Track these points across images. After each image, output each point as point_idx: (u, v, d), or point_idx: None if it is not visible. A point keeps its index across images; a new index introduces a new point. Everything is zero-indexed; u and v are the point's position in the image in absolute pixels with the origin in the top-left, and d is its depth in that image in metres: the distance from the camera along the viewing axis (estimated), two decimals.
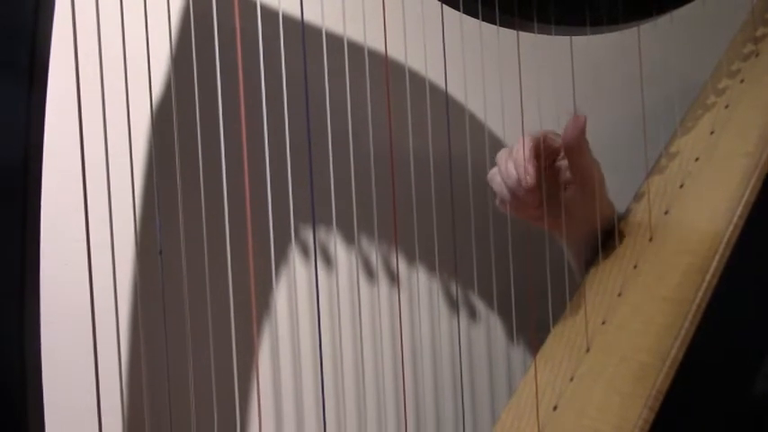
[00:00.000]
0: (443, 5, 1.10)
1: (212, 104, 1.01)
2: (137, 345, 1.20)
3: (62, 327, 1.13)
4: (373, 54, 1.12)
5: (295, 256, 1.31)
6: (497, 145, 1.28)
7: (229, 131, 1.01)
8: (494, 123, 1.30)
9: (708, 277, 1.06)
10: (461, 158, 1.22)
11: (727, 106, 1.24)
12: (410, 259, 1.36)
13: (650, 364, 1.03)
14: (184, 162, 1.02)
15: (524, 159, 1.13)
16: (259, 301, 1.29)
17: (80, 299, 0.94)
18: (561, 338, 1.18)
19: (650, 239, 1.18)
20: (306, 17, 1.04)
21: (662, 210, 1.20)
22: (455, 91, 1.23)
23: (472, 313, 1.42)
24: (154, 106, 1.15)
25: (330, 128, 1.09)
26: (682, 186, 1.20)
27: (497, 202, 1.21)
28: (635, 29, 1.17)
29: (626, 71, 1.23)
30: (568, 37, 1.17)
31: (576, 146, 1.15)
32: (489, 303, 1.42)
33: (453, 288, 1.40)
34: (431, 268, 1.37)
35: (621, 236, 1.22)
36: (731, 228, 1.08)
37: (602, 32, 1.16)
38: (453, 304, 1.40)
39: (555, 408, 1.11)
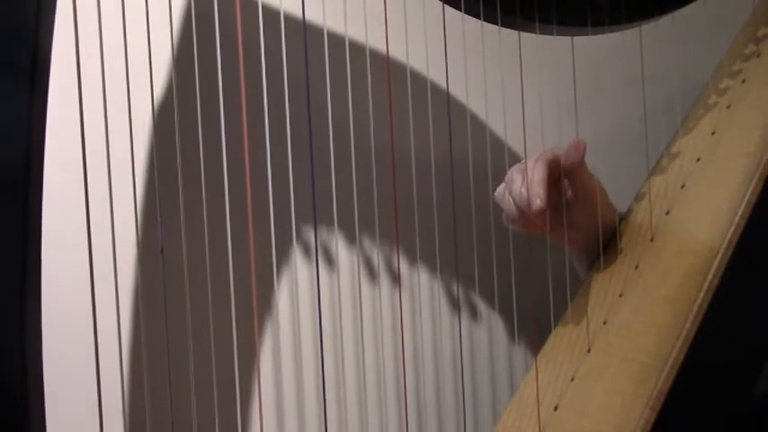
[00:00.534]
0: (445, 6, 1.10)
1: (214, 104, 1.01)
2: (138, 344, 1.20)
3: (63, 326, 1.13)
4: (375, 54, 1.12)
5: (296, 255, 1.31)
6: (499, 145, 1.28)
7: (231, 131, 1.01)
8: (495, 124, 1.30)
9: (709, 278, 1.06)
10: (463, 158, 1.22)
11: (728, 106, 1.24)
12: (411, 259, 1.36)
13: (651, 365, 1.03)
14: (186, 161, 1.02)
15: (536, 182, 1.12)
16: (260, 301, 1.29)
17: (81, 298, 0.94)
18: (562, 339, 1.18)
19: (651, 240, 1.18)
20: (307, 17, 1.04)
21: (663, 210, 1.19)
22: (456, 91, 1.23)
23: (474, 313, 1.42)
24: (155, 105, 1.15)
25: (331, 128, 1.09)
26: (683, 187, 1.20)
27: (504, 218, 1.21)
28: (636, 29, 1.17)
29: (627, 71, 1.23)
30: (570, 37, 1.17)
31: (576, 168, 1.16)
32: (491, 303, 1.42)
33: (455, 288, 1.40)
34: (432, 268, 1.37)
35: (622, 236, 1.22)
36: (732, 228, 1.08)
37: (603, 33, 1.16)
38: (455, 304, 1.40)
39: (556, 408, 1.11)
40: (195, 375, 1.04)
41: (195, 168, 1.04)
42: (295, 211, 1.08)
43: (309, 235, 1.29)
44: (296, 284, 1.32)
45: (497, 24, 1.12)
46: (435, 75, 1.22)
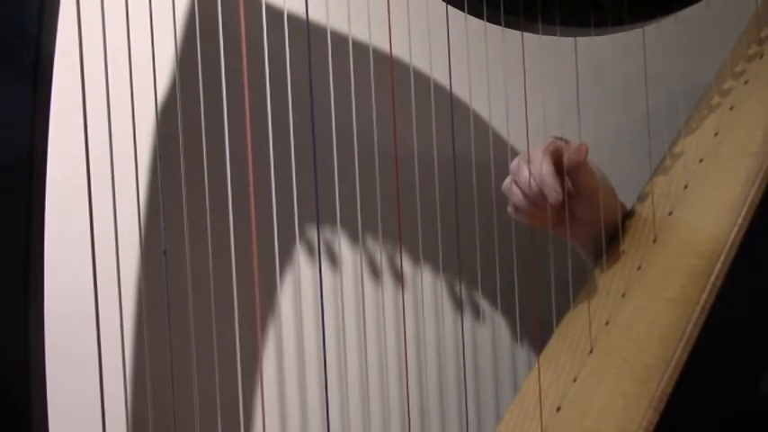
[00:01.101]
0: (448, 6, 1.10)
1: (217, 104, 1.01)
2: (141, 345, 1.20)
3: (66, 327, 1.13)
4: (378, 54, 1.12)
5: (300, 255, 1.31)
6: (502, 145, 1.28)
7: (234, 131, 1.01)
8: (498, 123, 1.30)
9: (712, 278, 1.06)
10: (466, 158, 1.22)
11: (731, 107, 1.24)
12: (415, 259, 1.37)
13: (654, 366, 1.03)
14: (189, 162, 1.02)
15: (549, 175, 1.13)
16: (263, 301, 1.29)
17: (84, 299, 0.94)
18: (565, 339, 1.18)
19: (654, 240, 1.18)
20: (311, 17, 1.04)
21: (666, 211, 1.19)
22: (460, 91, 1.23)
23: (476, 313, 1.42)
24: (158, 106, 1.15)
25: (335, 127, 1.09)
26: (686, 187, 1.20)
27: (510, 210, 1.21)
28: (639, 30, 1.17)
29: (630, 72, 1.23)
30: (573, 38, 1.17)
31: (577, 167, 1.16)
32: (493, 303, 1.42)
33: (458, 288, 1.40)
34: (435, 268, 1.37)
35: (625, 237, 1.22)
36: (735, 229, 1.08)
37: (606, 33, 1.16)
38: (458, 304, 1.40)
39: (558, 408, 1.11)
40: (198, 376, 1.04)
41: (198, 169, 1.04)
42: (298, 211, 1.09)
43: (312, 234, 1.29)
44: (299, 284, 1.32)
45: (500, 25, 1.12)
46: (438, 75, 1.22)
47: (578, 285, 1.24)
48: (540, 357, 1.18)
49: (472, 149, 1.23)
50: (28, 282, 0.87)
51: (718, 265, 1.07)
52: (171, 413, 1.04)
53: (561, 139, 1.18)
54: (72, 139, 0.95)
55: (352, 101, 1.09)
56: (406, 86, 1.17)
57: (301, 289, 1.32)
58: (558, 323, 1.21)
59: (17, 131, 0.87)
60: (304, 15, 1.04)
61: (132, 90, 0.95)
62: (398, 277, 1.36)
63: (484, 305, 1.42)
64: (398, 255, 1.34)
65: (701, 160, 1.21)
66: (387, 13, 1.06)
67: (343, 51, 1.10)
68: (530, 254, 1.24)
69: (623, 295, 1.15)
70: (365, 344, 1.34)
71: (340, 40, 1.10)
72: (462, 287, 1.40)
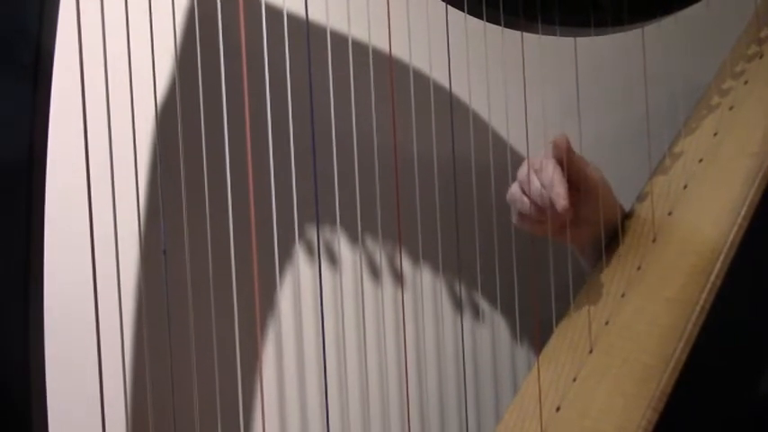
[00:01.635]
0: (448, 6, 1.10)
1: (217, 104, 1.01)
2: (140, 345, 1.20)
3: (65, 327, 1.13)
4: (378, 54, 1.12)
5: (299, 255, 1.31)
6: (501, 145, 1.28)
7: (234, 131, 1.01)
8: (498, 124, 1.30)
9: (712, 278, 1.06)
10: (465, 158, 1.22)
11: (731, 107, 1.24)
12: (414, 259, 1.37)
13: (654, 366, 1.03)
14: (188, 161, 1.02)
15: (559, 183, 1.13)
16: (263, 301, 1.29)
17: (84, 299, 0.94)
18: (565, 339, 1.18)
19: (654, 240, 1.18)
20: (310, 17, 1.04)
21: (665, 211, 1.19)
22: (459, 91, 1.23)
23: (476, 313, 1.42)
24: (158, 105, 1.15)
25: (334, 127, 1.09)
26: (685, 187, 1.20)
27: (514, 219, 1.21)
28: (639, 30, 1.17)
29: (630, 72, 1.23)
30: (573, 38, 1.17)
31: (573, 162, 1.16)
32: (493, 303, 1.42)
33: (457, 288, 1.40)
34: (435, 268, 1.37)
35: (625, 237, 1.22)
36: (735, 228, 1.08)
37: (606, 33, 1.16)
38: (457, 304, 1.40)
39: (558, 408, 1.11)
40: (197, 376, 1.04)
41: (198, 169, 1.04)
42: (298, 211, 1.09)
43: (312, 235, 1.29)
44: (299, 284, 1.32)
45: (500, 25, 1.12)
46: (438, 75, 1.22)
47: (578, 285, 1.24)
48: (540, 357, 1.18)
49: (472, 150, 1.23)
50: (28, 282, 0.87)
51: (718, 265, 1.07)
52: (171, 414, 1.05)
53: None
54: (72, 139, 0.95)
55: (351, 101, 1.09)
56: (405, 87, 1.17)
57: (301, 289, 1.32)
58: (557, 323, 1.21)
59: (17, 131, 0.87)
60: (304, 16, 1.04)
61: (132, 91, 0.95)
62: (398, 278, 1.36)
63: (483, 305, 1.42)
64: (398, 255, 1.34)
65: (700, 160, 1.21)
66: (386, 14, 1.06)
67: (343, 52, 1.10)
68: (529, 254, 1.24)
69: (623, 295, 1.15)
70: (365, 344, 1.34)
71: (339, 40, 1.10)
72: (462, 287, 1.40)
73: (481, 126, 1.29)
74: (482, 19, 1.11)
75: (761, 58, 1.27)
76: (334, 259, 1.32)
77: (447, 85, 1.17)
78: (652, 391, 1.01)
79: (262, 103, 1.02)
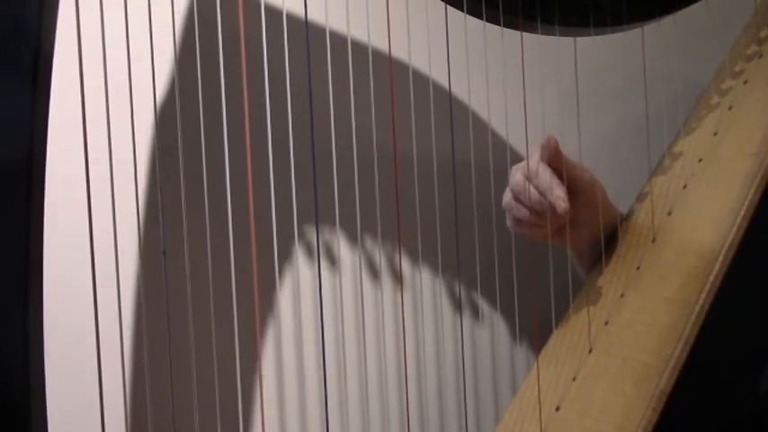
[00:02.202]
0: (447, 6, 1.10)
1: (216, 104, 1.01)
2: (140, 345, 1.20)
3: (65, 328, 1.13)
4: (377, 55, 1.12)
5: (299, 256, 1.31)
6: (501, 145, 1.28)
7: (233, 132, 1.01)
8: (497, 124, 1.30)
9: (711, 278, 1.06)
10: (465, 159, 1.22)
11: (730, 107, 1.24)
12: (414, 260, 1.36)
13: (653, 365, 1.03)
14: (188, 162, 1.02)
15: (557, 186, 1.13)
16: (262, 302, 1.29)
17: (83, 299, 0.94)
18: (564, 339, 1.18)
19: (653, 240, 1.18)
20: (309, 17, 1.04)
21: (665, 211, 1.19)
22: (459, 91, 1.23)
23: (476, 313, 1.42)
24: (158, 105, 1.15)
25: (333, 128, 1.09)
26: (685, 187, 1.20)
27: (510, 223, 1.21)
28: (638, 30, 1.17)
29: (629, 72, 1.23)
30: (572, 37, 1.17)
31: (558, 164, 1.16)
32: (493, 303, 1.42)
33: (457, 288, 1.40)
34: (434, 268, 1.37)
35: (624, 237, 1.22)
36: (734, 229, 1.08)
37: (605, 33, 1.16)
38: (457, 304, 1.40)
39: (557, 408, 1.11)
40: (197, 377, 1.04)
41: (197, 169, 1.04)
42: (297, 212, 1.08)
43: (312, 235, 1.29)
44: (298, 285, 1.32)
45: (500, 25, 1.12)
46: (437, 75, 1.22)
47: (577, 285, 1.24)
48: (540, 357, 1.18)
49: (471, 150, 1.23)
50: (27, 283, 0.87)
51: (717, 265, 1.07)
52: (170, 414, 1.04)
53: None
54: (71, 140, 0.95)
55: (351, 101, 1.09)
56: (405, 87, 1.17)
57: (300, 290, 1.32)
58: (557, 323, 1.21)
59: (16, 131, 0.87)
60: (303, 17, 1.04)
61: (131, 90, 0.95)
62: (397, 278, 1.36)
63: (483, 306, 1.42)
64: (397, 256, 1.34)
65: (700, 160, 1.21)
66: (386, 13, 1.06)
67: (342, 52, 1.10)
68: (529, 254, 1.24)
69: (622, 295, 1.15)
70: (364, 345, 1.34)
71: (339, 40, 1.10)
72: (461, 288, 1.40)
73: (480, 126, 1.29)
74: (482, 19, 1.11)
75: (760, 57, 1.28)
76: (333, 260, 1.32)
77: (446, 85, 1.17)
78: (651, 391, 1.01)
79: (261, 104, 1.02)
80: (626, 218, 1.25)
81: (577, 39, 1.17)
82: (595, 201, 1.19)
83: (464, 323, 1.42)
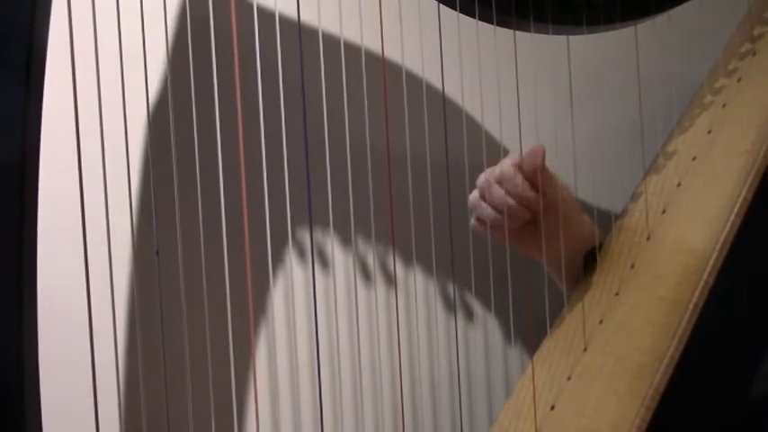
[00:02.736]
0: (440, 5, 1.10)
1: (209, 105, 1.01)
2: (133, 345, 1.20)
3: (59, 327, 1.12)
4: (370, 54, 1.12)
5: (292, 257, 1.30)
6: (494, 145, 1.28)
7: (226, 132, 1.01)
8: (491, 123, 1.30)
9: (705, 276, 1.06)
10: (458, 159, 1.22)
11: (724, 105, 1.24)
12: (407, 261, 1.36)
13: (648, 364, 1.04)
14: (181, 162, 1.02)
15: (527, 189, 1.14)
16: (256, 302, 1.29)
17: (77, 299, 0.94)
18: (559, 338, 1.18)
19: (648, 239, 1.18)
20: (302, 18, 1.04)
21: (659, 209, 1.20)
22: (452, 91, 1.23)
23: (469, 314, 1.42)
24: (150, 106, 1.15)
25: (327, 128, 1.09)
26: (679, 185, 1.20)
27: (473, 223, 1.21)
28: (632, 28, 1.17)
29: (623, 70, 1.23)
30: (565, 36, 1.17)
31: (537, 174, 1.16)
32: (486, 304, 1.41)
33: (450, 289, 1.40)
34: (428, 269, 1.37)
35: (619, 235, 1.22)
36: (728, 227, 1.08)
37: (599, 32, 1.16)
38: (450, 305, 1.40)
39: (552, 407, 1.10)
40: (191, 377, 1.04)
41: (190, 169, 1.03)
42: (290, 213, 1.08)
43: (305, 236, 1.29)
44: (291, 286, 1.31)
45: (492, 23, 1.12)
46: (430, 74, 1.22)
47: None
48: (534, 356, 1.18)
49: (465, 150, 1.22)
50: (21, 283, 0.87)
51: (711, 263, 1.07)
52: (164, 414, 1.04)
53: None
54: (64, 139, 0.94)
55: (344, 101, 1.09)
56: (398, 86, 1.17)
57: (293, 291, 1.32)
58: (551, 322, 1.21)
59: (9, 133, 0.87)
60: (295, 17, 1.04)
61: (124, 90, 0.94)
62: (391, 279, 1.36)
63: (476, 306, 1.42)
64: (391, 257, 1.34)
65: (694, 158, 1.21)
66: (378, 13, 1.06)
67: (335, 52, 1.09)
68: (522, 254, 1.24)
69: (617, 294, 1.15)
70: (358, 345, 1.34)
71: (331, 40, 1.10)
72: (455, 288, 1.39)
73: (474, 126, 1.29)
74: (474, 18, 1.11)
75: (754, 55, 1.28)
76: (326, 261, 1.32)
77: (439, 85, 1.17)
78: (646, 390, 1.02)
79: (254, 104, 1.02)
80: (620, 217, 1.25)
81: (571, 37, 1.17)
82: (568, 213, 1.19)
83: (458, 323, 1.42)
